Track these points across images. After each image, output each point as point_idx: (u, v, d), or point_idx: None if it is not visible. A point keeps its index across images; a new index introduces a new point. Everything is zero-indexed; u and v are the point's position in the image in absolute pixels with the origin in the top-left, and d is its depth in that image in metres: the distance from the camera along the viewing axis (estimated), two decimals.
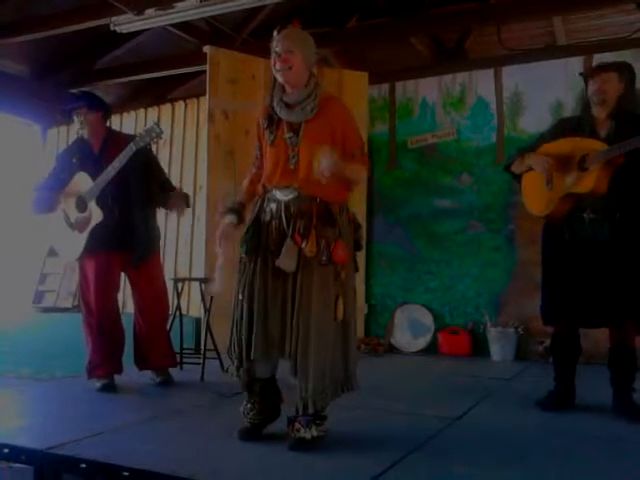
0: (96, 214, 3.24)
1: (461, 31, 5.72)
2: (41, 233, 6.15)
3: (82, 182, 3.31)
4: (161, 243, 3.74)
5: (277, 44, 2.32)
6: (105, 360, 3.32)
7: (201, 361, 3.70)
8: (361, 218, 5.26)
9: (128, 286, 3.55)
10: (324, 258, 2.24)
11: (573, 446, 2.39)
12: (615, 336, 2.86)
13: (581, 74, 3.04)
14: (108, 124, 3.61)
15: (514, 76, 5.12)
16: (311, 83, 2.36)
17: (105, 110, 3.51)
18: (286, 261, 2.25)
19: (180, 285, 4.01)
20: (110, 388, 3.25)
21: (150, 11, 4.60)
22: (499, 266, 5.03)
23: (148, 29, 5.15)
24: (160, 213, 3.68)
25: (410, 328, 5.26)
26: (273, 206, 2.35)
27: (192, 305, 5.09)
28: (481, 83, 5.25)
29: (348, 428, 2.50)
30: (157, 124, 3.26)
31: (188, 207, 3.55)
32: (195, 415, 2.85)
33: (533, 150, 3.00)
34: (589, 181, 2.77)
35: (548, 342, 3.62)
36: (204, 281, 3.96)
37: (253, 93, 4.80)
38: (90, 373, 3.32)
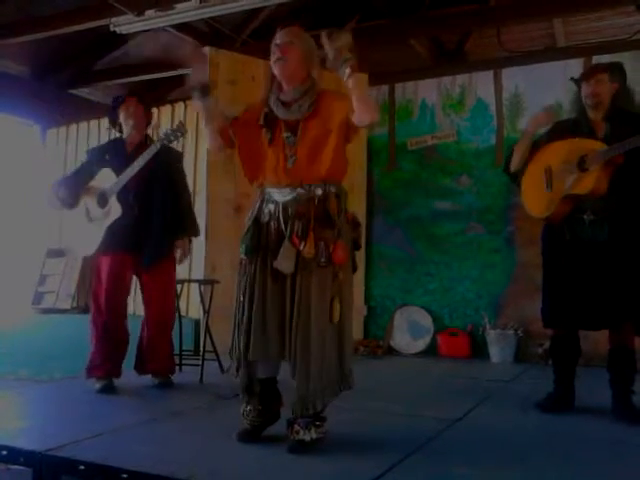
0: (115, 209, 3.26)
1: (461, 33, 5.72)
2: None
3: (106, 178, 3.33)
4: None
5: (278, 37, 2.34)
6: (105, 361, 3.31)
7: (200, 363, 3.69)
8: (361, 219, 5.26)
9: (139, 289, 3.55)
10: (323, 260, 2.24)
11: (572, 448, 2.39)
12: (614, 338, 2.86)
13: (572, 79, 3.03)
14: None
15: (514, 78, 5.13)
16: (308, 81, 2.35)
17: (149, 113, 3.56)
18: (284, 263, 2.24)
19: (179, 286, 4.00)
20: (109, 389, 3.25)
21: (150, 12, 4.60)
22: (498, 268, 5.03)
23: (148, 30, 5.15)
24: None
25: (409, 330, 5.26)
26: (271, 207, 2.34)
27: (191, 306, 5.08)
28: (481, 85, 5.26)
29: (347, 430, 2.50)
30: (182, 123, 3.34)
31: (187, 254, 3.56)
32: (194, 417, 2.84)
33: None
34: (589, 182, 2.77)
35: (547, 344, 3.62)
36: (203, 282, 3.95)
37: (253, 94, 4.75)
38: (89, 372, 3.32)
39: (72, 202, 3.42)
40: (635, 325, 2.81)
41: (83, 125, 6.66)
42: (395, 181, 5.49)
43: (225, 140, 2.50)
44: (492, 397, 3.37)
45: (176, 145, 3.89)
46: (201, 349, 3.84)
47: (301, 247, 2.24)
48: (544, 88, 4.91)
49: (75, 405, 3.03)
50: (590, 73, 2.91)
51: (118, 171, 3.29)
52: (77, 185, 3.42)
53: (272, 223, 2.33)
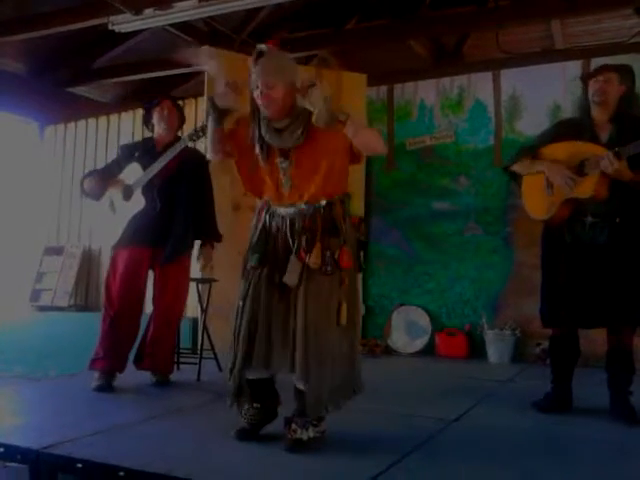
0: (138, 204, 3.32)
1: (460, 34, 5.74)
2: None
3: (133, 173, 3.39)
4: None
5: (257, 77, 2.25)
6: (108, 354, 3.31)
7: (198, 361, 3.69)
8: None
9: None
10: (329, 268, 2.25)
11: (569, 448, 2.39)
12: (612, 339, 2.86)
13: (581, 78, 3.03)
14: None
15: (512, 79, 5.14)
16: (296, 106, 2.29)
17: (182, 116, 3.62)
18: (290, 277, 2.25)
19: None
20: (105, 388, 3.24)
21: (149, 11, 4.60)
22: (496, 268, 5.03)
23: (147, 29, 5.15)
24: None
25: (407, 330, 5.26)
26: (278, 220, 2.35)
27: (189, 305, 5.07)
28: (479, 86, 5.27)
29: (345, 429, 2.50)
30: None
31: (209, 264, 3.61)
32: (191, 415, 2.84)
33: (535, 150, 2.98)
34: (589, 186, 2.77)
35: (545, 344, 3.63)
36: (201, 281, 3.95)
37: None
38: (92, 364, 3.32)
39: (97, 194, 3.48)
40: (633, 326, 2.82)
41: (81, 123, 6.67)
42: (393, 181, 5.49)
43: (224, 153, 2.48)
44: (490, 397, 3.37)
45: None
46: (199, 348, 3.84)
47: (307, 259, 2.25)
48: (542, 90, 4.92)
49: (72, 403, 3.03)
50: (600, 70, 2.89)
51: (146, 168, 3.35)
52: (103, 178, 3.48)
53: (280, 236, 2.33)
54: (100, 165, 3.66)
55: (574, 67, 4.82)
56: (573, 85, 3.06)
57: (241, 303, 2.35)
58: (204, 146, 4.56)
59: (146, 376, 3.49)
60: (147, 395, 3.27)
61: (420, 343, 5.20)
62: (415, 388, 3.67)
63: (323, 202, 2.31)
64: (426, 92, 5.45)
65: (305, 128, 2.27)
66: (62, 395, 3.25)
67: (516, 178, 3.10)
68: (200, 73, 5.39)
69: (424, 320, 5.22)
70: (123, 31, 4.94)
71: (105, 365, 3.30)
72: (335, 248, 2.26)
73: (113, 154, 5.97)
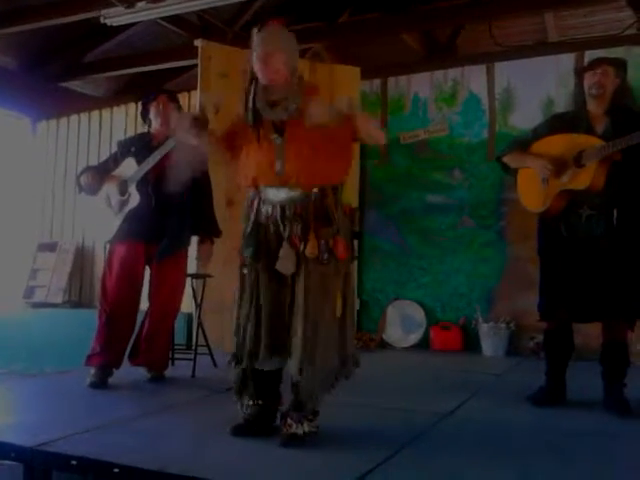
0: (133, 198, 3.31)
1: (453, 27, 5.73)
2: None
3: (129, 168, 3.38)
4: None
5: (257, 45, 2.28)
6: (105, 351, 3.29)
7: (192, 357, 3.68)
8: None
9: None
10: (325, 257, 2.24)
11: (564, 441, 2.40)
12: (608, 332, 2.87)
13: (575, 71, 3.04)
14: None
15: (506, 72, 5.13)
16: (293, 81, 2.31)
17: (180, 110, 3.59)
18: (284, 264, 2.24)
19: None
20: (100, 385, 3.23)
21: (141, 4, 4.57)
22: (491, 262, 5.04)
23: (139, 22, 5.11)
24: None
25: (402, 323, 5.27)
26: (268, 208, 2.32)
27: (183, 301, 5.07)
28: (473, 79, 5.26)
29: (339, 424, 2.50)
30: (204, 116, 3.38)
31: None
32: (186, 411, 2.84)
33: (528, 144, 2.99)
34: (586, 177, 2.77)
35: (539, 338, 3.64)
36: (195, 277, 3.94)
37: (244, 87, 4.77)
38: (88, 360, 3.31)
39: (94, 189, 3.46)
40: (628, 319, 2.83)
41: (74, 118, 6.62)
42: (388, 175, 5.49)
43: (233, 149, 2.46)
44: (484, 390, 3.38)
45: None
46: (193, 343, 3.83)
47: (301, 248, 2.23)
48: (536, 82, 4.92)
49: (67, 400, 3.02)
50: (597, 63, 2.89)
51: (141, 163, 3.34)
52: (100, 174, 3.47)
53: (271, 225, 2.31)
54: (94, 160, 3.64)
55: (567, 60, 4.82)
56: (566, 78, 3.05)
57: (240, 296, 2.35)
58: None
59: (141, 372, 3.48)
60: (142, 391, 3.26)
61: (415, 337, 5.21)
62: (409, 382, 3.68)
63: (315, 190, 2.28)
64: (420, 85, 5.44)
65: (299, 103, 2.27)
66: (56, 392, 3.24)
67: (509, 170, 3.11)
68: (192, 67, 5.36)
69: (419, 314, 5.22)
70: (115, 24, 4.91)
71: (102, 361, 3.29)
72: (329, 237, 2.25)
73: (106, 149, 5.98)
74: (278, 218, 2.29)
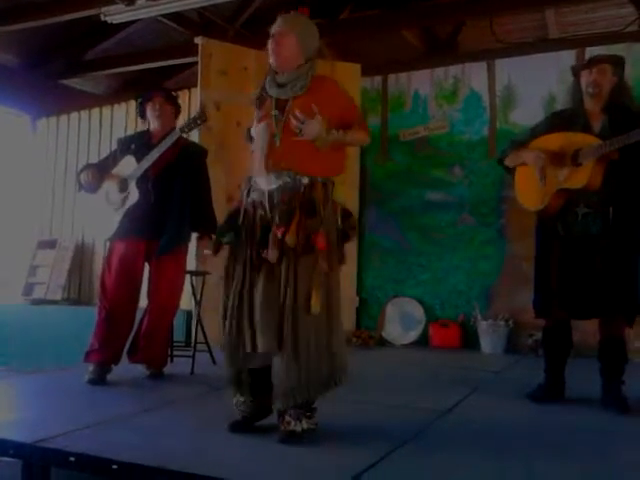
0: (133, 195, 3.31)
1: (454, 24, 5.71)
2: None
3: (128, 166, 3.38)
4: None
5: (275, 26, 2.33)
6: (103, 348, 3.30)
7: (191, 354, 3.69)
8: (353, 210, 5.26)
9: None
10: (303, 248, 2.21)
11: (562, 438, 2.40)
12: (605, 328, 2.87)
13: (572, 69, 3.03)
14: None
15: (506, 69, 5.13)
16: (305, 66, 2.33)
17: (177, 109, 3.60)
18: (270, 252, 2.23)
19: None
20: (99, 381, 3.23)
21: (141, 1, 4.56)
22: (490, 259, 5.04)
23: (139, 19, 5.11)
24: None
25: (401, 321, 5.27)
26: (256, 195, 2.32)
27: (183, 298, 5.07)
28: (474, 76, 5.25)
29: (338, 421, 2.50)
30: (202, 110, 3.42)
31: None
32: (185, 408, 2.84)
33: (526, 144, 2.99)
34: (583, 176, 2.77)
35: (538, 335, 3.64)
36: (194, 274, 3.94)
37: (245, 85, 4.77)
38: (86, 357, 3.32)
39: (94, 187, 3.47)
40: (626, 316, 2.83)
41: (74, 115, 6.62)
42: (388, 172, 5.48)
43: None
44: (483, 388, 3.38)
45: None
46: (193, 340, 3.83)
47: (280, 234, 2.21)
48: (537, 79, 4.91)
49: (65, 396, 3.02)
50: (594, 61, 2.89)
51: (140, 160, 3.34)
52: (100, 171, 3.47)
53: (258, 212, 2.30)
54: (94, 158, 3.64)
55: (568, 57, 4.80)
56: (567, 75, 3.04)
57: (226, 284, 2.34)
58: (198, 138, 4.57)
59: (140, 369, 3.49)
60: (141, 388, 3.26)
61: (414, 334, 5.21)
62: (408, 379, 3.68)
63: (306, 180, 2.27)
64: (420, 82, 5.43)
65: (306, 83, 2.30)
66: (55, 388, 3.24)
67: (509, 171, 3.11)
68: (192, 65, 5.36)
69: (418, 311, 5.22)
70: (115, 22, 4.91)
71: (100, 358, 3.29)
72: (310, 230, 2.22)
73: (106, 146, 5.98)
74: (266, 204, 2.28)
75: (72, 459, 2.07)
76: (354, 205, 5.27)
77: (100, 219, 3.54)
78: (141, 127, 3.76)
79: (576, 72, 2.96)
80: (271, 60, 2.34)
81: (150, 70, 6.32)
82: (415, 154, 5.39)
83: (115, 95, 6.73)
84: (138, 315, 3.47)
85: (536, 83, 4.91)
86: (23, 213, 6.73)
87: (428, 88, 5.40)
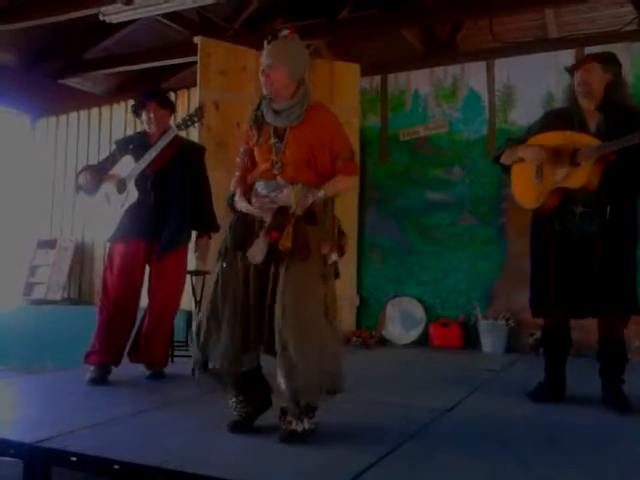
0: (132, 194, 3.31)
1: (453, 23, 5.72)
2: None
3: (127, 166, 3.38)
4: None
5: (264, 57, 2.33)
6: (104, 349, 3.30)
7: (192, 354, 3.68)
8: (353, 210, 5.29)
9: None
10: (303, 254, 2.22)
11: (562, 437, 2.41)
12: (604, 328, 2.87)
13: (566, 68, 3.03)
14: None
15: (506, 68, 5.12)
16: (299, 93, 2.35)
17: (172, 110, 3.60)
18: (253, 252, 2.24)
19: None
20: (100, 382, 3.23)
21: (140, 1, 4.56)
22: (490, 259, 5.04)
23: (138, 19, 5.11)
24: None
25: (401, 320, 5.27)
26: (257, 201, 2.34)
27: (183, 298, 5.07)
28: (473, 75, 5.25)
29: (339, 420, 2.50)
30: (199, 108, 3.41)
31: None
32: (185, 408, 2.84)
33: (522, 142, 2.99)
34: (581, 176, 2.76)
35: (538, 334, 3.64)
36: (194, 274, 3.94)
37: (244, 84, 4.77)
38: (87, 358, 3.31)
39: (93, 188, 3.47)
40: (624, 315, 2.83)
41: (73, 115, 6.61)
42: (387, 172, 5.48)
43: None
44: (483, 387, 3.38)
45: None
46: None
47: (276, 238, 2.22)
48: (536, 79, 4.91)
49: (66, 396, 3.02)
50: (580, 61, 2.91)
51: (138, 160, 3.34)
52: (98, 172, 3.47)
53: (256, 217, 2.33)
54: (93, 157, 3.64)
55: (567, 56, 4.80)
56: (566, 74, 3.04)
57: (216, 286, 2.34)
58: (198, 137, 4.57)
59: (140, 369, 3.49)
60: (141, 388, 3.26)
61: (414, 334, 5.21)
62: (409, 379, 3.68)
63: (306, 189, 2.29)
64: (420, 82, 5.43)
65: (302, 112, 2.33)
66: (56, 388, 3.24)
67: (505, 169, 3.11)
68: (192, 64, 5.35)
69: (418, 311, 5.22)
70: (114, 21, 4.91)
71: (101, 359, 3.29)
72: (311, 236, 2.24)
73: (106, 146, 5.97)
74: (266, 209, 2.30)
75: (73, 459, 2.08)
76: (354, 205, 5.27)
77: (100, 219, 3.54)
78: (140, 127, 3.75)
79: (571, 72, 2.97)
80: (264, 91, 2.36)
81: (149, 70, 6.32)
82: (415, 154, 5.38)
83: (114, 95, 6.73)
84: (139, 315, 3.47)
85: (535, 83, 4.91)
86: (23, 213, 6.72)
87: (427, 88, 5.40)
